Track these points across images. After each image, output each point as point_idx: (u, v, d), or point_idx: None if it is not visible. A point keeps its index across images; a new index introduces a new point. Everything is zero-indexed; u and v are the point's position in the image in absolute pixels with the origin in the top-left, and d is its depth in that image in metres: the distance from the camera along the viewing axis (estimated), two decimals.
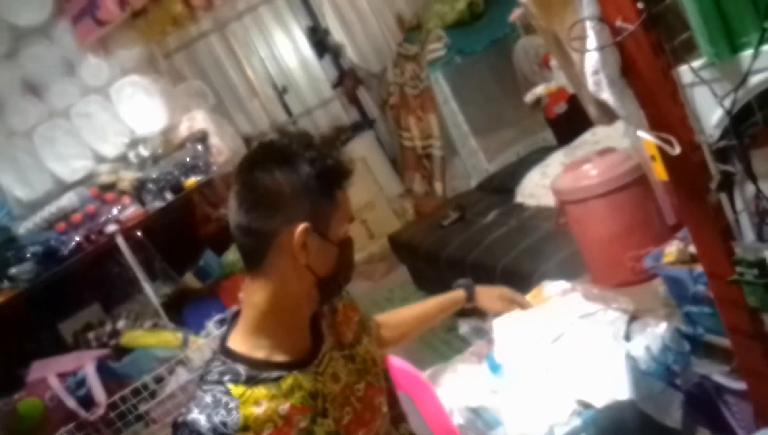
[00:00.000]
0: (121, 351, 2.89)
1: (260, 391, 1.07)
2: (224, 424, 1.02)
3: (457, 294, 1.67)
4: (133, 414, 2.57)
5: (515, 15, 3.80)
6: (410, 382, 1.76)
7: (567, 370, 1.72)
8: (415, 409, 1.71)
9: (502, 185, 4.19)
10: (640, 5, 1.15)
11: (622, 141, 2.36)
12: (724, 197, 1.26)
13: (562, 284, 2.10)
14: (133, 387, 2.58)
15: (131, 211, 3.08)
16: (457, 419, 1.82)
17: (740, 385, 1.54)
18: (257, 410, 1.05)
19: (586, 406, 1.63)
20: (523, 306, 1.79)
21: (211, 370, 1.09)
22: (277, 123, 5.39)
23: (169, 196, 3.15)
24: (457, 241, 3.72)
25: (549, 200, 2.91)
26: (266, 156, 1.11)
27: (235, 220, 1.10)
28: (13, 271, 2.87)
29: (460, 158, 4.91)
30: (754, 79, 1.10)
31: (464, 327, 2.13)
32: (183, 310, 3.21)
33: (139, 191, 3.15)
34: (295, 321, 1.16)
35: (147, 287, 3.06)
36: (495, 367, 1.87)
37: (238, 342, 1.12)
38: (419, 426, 1.60)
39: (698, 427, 1.73)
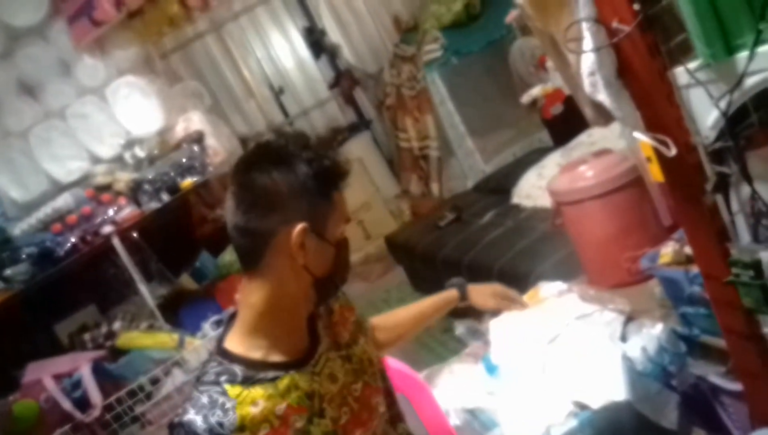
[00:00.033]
0: (117, 352, 2.89)
1: (257, 391, 1.07)
2: (221, 424, 1.02)
3: (450, 293, 1.67)
4: (129, 415, 2.56)
5: (511, 16, 3.79)
6: (407, 384, 1.76)
7: (563, 371, 1.72)
8: (412, 410, 1.71)
9: (498, 186, 4.18)
10: (636, 7, 1.15)
11: (618, 142, 2.36)
12: (719, 198, 1.26)
13: (558, 285, 2.09)
14: (129, 388, 2.57)
15: (127, 212, 3.07)
16: (454, 420, 1.81)
17: (736, 386, 1.54)
18: (254, 410, 1.05)
19: (582, 407, 1.63)
20: (516, 302, 1.80)
21: (208, 370, 1.09)
22: (273, 124, 5.38)
23: (165, 197, 3.15)
24: (454, 242, 3.72)
25: (545, 201, 2.92)
26: (263, 156, 1.11)
27: (232, 221, 1.10)
28: (8, 272, 2.86)
29: (457, 159, 4.91)
30: (750, 81, 1.10)
31: (460, 328, 2.12)
32: (179, 312, 3.21)
33: (135, 192, 3.15)
34: (292, 321, 1.16)
35: (143, 288, 3.06)
36: (491, 368, 1.87)
37: (234, 343, 1.12)
38: (416, 427, 1.60)
39: (694, 428, 1.73)
